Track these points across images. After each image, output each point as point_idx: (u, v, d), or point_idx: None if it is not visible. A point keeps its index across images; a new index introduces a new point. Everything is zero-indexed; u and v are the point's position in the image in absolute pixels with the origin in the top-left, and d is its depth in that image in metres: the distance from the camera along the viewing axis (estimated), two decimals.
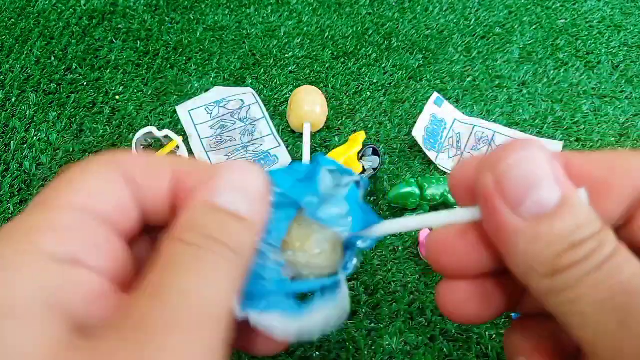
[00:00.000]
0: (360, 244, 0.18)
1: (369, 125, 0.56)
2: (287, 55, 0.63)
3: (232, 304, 0.16)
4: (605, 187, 0.14)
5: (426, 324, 0.42)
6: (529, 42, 0.66)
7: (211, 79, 0.60)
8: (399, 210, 0.49)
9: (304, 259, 0.18)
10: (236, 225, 0.16)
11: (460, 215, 0.17)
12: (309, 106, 0.52)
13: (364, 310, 0.42)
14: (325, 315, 0.18)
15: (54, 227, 0.15)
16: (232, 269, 0.16)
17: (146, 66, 0.62)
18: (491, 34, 0.67)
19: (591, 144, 0.55)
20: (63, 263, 0.14)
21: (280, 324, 0.17)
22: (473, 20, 0.69)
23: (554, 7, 0.72)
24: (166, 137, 0.51)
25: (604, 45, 0.66)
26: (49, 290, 0.13)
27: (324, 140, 0.55)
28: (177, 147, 0.51)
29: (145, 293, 0.14)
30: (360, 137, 0.51)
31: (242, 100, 0.58)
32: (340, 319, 0.18)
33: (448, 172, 0.52)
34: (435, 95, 0.57)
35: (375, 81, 0.61)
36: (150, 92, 0.59)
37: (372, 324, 0.41)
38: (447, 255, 0.17)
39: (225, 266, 0.16)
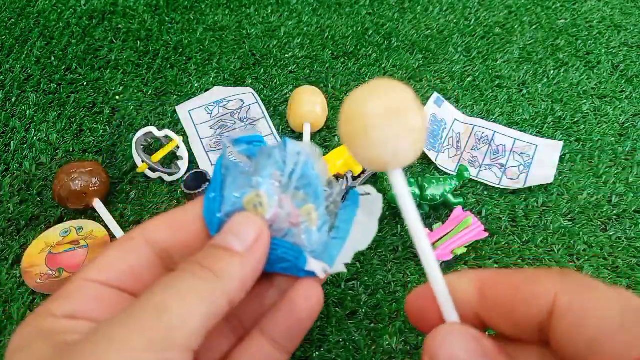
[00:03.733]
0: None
1: None
2: (287, 55, 0.63)
3: (203, 321, 0.17)
4: (511, 310, 0.16)
5: None
6: (529, 42, 0.66)
7: (211, 79, 0.60)
8: (399, 210, 0.49)
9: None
10: (225, 255, 0.18)
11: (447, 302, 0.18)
12: (309, 106, 0.52)
13: (364, 310, 0.42)
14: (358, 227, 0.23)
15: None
16: (210, 292, 0.17)
17: (146, 66, 0.62)
18: (491, 34, 0.67)
19: (591, 144, 0.55)
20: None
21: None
22: (473, 20, 0.69)
23: (554, 7, 0.72)
24: (166, 137, 0.51)
25: (604, 45, 0.66)
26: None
27: (324, 140, 0.55)
28: (177, 147, 0.51)
29: (134, 302, 0.17)
30: None
31: (242, 100, 0.58)
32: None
33: (448, 172, 0.52)
34: (435, 95, 0.57)
35: None
36: (150, 92, 0.59)
37: (372, 324, 0.41)
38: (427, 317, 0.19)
39: (202, 287, 0.17)
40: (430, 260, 0.18)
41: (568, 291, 0.15)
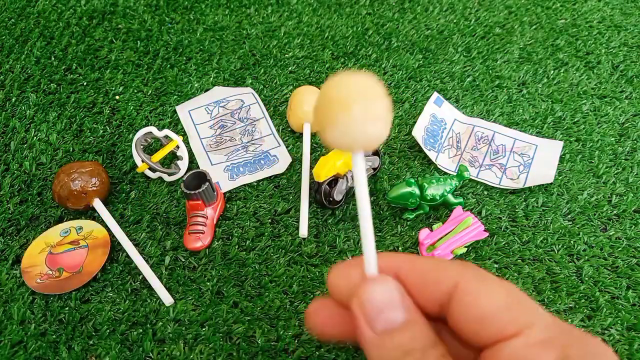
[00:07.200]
0: None
1: None
2: (287, 55, 0.63)
3: None
4: (419, 292, 0.19)
5: None
6: (529, 42, 0.66)
7: (211, 79, 0.60)
8: (399, 210, 0.49)
9: None
10: None
11: None
12: (309, 106, 0.52)
13: None
14: None
15: None
16: None
17: (146, 66, 0.62)
18: (491, 34, 0.67)
19: (591, 144, 0.55)
20: None
21: None
22: (473, 20, 0.69)
23: (554, 7, 0.72)
24: (166, 137, 0.51)
25: (604, 45, 0.66)
26: None
27: None
28: (177, 147, 0.51)
29: None
30: None
31: (242, 100, 0.58)
32: None
33: (448, 172, 0.52)
34: (435, 95, 0.57)
35: None
36: (150, 92, 0.59)
37: None
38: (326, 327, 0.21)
39: None
40: (366, 219, 0.19)
41: (467, 279, 0.18)
